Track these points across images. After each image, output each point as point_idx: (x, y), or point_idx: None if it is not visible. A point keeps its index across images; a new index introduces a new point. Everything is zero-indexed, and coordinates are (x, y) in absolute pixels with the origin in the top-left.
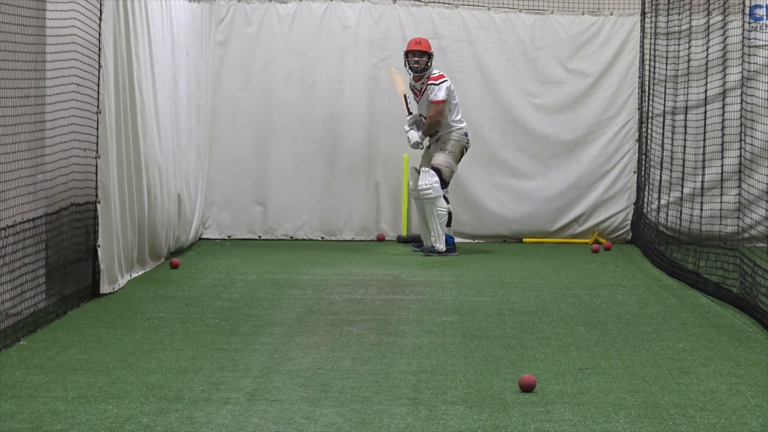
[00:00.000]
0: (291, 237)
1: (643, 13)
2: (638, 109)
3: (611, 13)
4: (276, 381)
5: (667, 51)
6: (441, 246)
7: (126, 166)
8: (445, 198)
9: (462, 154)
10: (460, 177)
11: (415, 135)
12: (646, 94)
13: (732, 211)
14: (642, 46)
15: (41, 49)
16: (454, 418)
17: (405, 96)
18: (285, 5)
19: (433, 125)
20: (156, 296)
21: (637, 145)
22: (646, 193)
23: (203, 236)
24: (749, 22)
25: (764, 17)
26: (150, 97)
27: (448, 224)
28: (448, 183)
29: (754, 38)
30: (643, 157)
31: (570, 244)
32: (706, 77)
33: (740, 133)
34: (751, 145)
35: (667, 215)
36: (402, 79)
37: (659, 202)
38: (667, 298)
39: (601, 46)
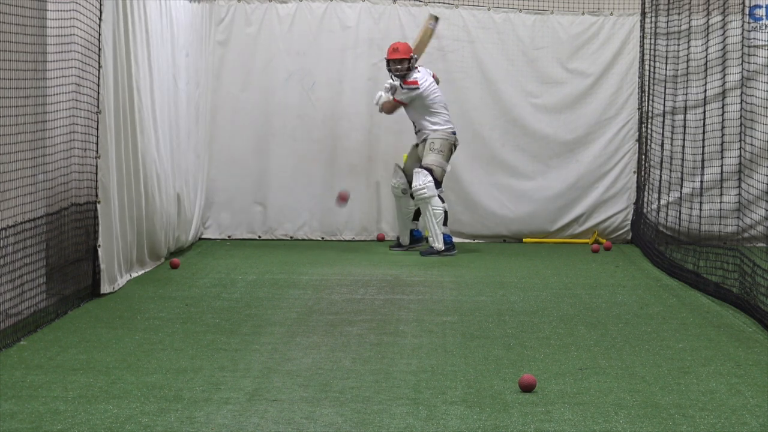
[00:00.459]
0: (291, 237)
1: (643, 13)
2: (638, 109)
3: (611, 13)
4: (276, 381)
5: (667, 51)
6: (439, 245)
7: (125, 166)
8: (441, 198)
9: (451, 152)
10: (460, 177)
11: (382, 95)
12: (646, 94)
13: (732, 211)
14: (642, 46)
15: (42, 50)
16: (454, 418)
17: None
18: (285, 5)
19: (389, 108)
20: (156, 296)
21: (637, 145)
22: (646, 193)
23: (203, 236)
24: (749, 22)
25: (764, 17)
26: (148, 97)
27: (444, 223)
28: (441, 182)
29: (754, 38)
30: (643, 157)
31: (570, 244)
32: (706, 77)
33: (740, 133)
34: (751, 145)
35: (667, 215)
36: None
37: (659, 202)
38: (667, 298)
39: (601, 46)
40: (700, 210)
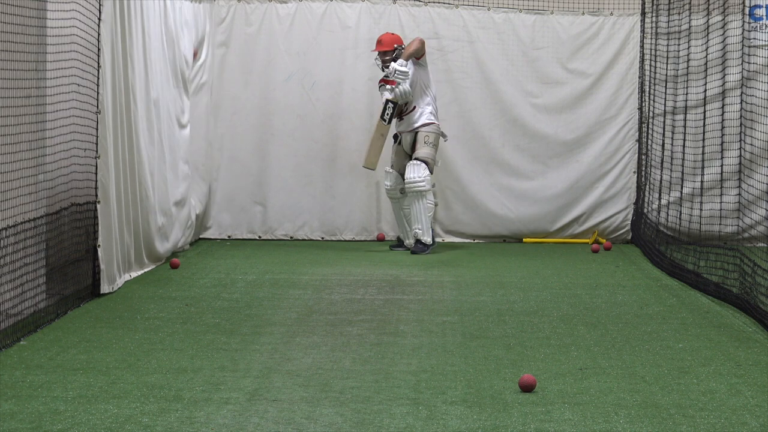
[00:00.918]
0: (291, 237)
1: (643, 13)
2: (638, 109)
3: (611, 13)
4: (276, 381)
5: (667, 51)
6: (428, 238)
7: (122, 166)
8: (434, 193)
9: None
10: (460, 177)
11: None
12: (646, 94)
13: (732, 211)
14: (642, 46)
15: (42, 50)
16: (454, 418)
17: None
18: (285, 5)
19: (415, 50)
20: (156, 296)
21: (637, 145)
22: (646, 193)
23: (203, 236)
24: (749, 22)
25: (764, 17)
26: (142, 98)
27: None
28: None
29: (754, 38)
30: (643, 157)
31: (570, 244)
32: (706, 77)
33: (740, 133)
34: (751, 145)
35: (667, 215)
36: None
37: (659, 202)
38: (667, 298)
39: (601, 46)
40: (701, 210)
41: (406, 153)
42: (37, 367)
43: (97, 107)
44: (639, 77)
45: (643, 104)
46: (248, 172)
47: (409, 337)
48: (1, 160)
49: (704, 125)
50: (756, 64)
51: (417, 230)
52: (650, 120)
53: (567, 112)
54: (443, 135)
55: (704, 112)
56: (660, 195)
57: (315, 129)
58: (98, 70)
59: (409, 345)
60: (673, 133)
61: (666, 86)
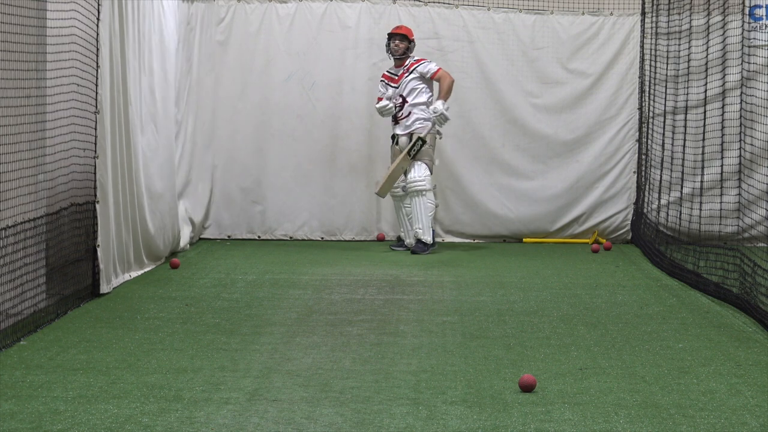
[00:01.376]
0: (291, 237)
1: (643, 13)
2: (638, 109)
3: (611, 13)
4: (276, 381)
5: (667, 51)
6: (428, 238)
7: (120, 166)
8: (434, 194)
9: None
10: (460, 177)
11: (384, 101)
12: (646, 94)
13: (732, 211)
14: (642, 46)
15: (42, 50)
16: (454, 418)
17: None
18: (285, 5)
19: (450, 88)
20: (156, 296)
21: (637, 145)
22: (646, 193)
23: (203, 236)
24: (749, 22)
25: (764, 17)
26: (137, 97)
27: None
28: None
29: (754, 38)
30: (643, 157)
31: (570, 244)
32: (706, 77)
33: (740, 133)
34: (751, 145)
35: (667, 215)
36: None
37: (659, 202)
38: (667, 298)
39: (601, 46)
40: (701, 210)
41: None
42: (37, 367)
43: (96, 107)
44: (639, 77)
45: (643, 104)
46: (248, 172)
47: (409, 337)
48: (1, 160)
49: (704, 125)
50: (756, 64)
51: (417, 230)
52: (650, 120)
53: (567, 112)
54: (438, 133)
55: (704, 112)
56: (660, 195)
57: (315, 129)
58: (97, 70)
59: (409, 345)
60: (673, 133)
61: (666, 86)
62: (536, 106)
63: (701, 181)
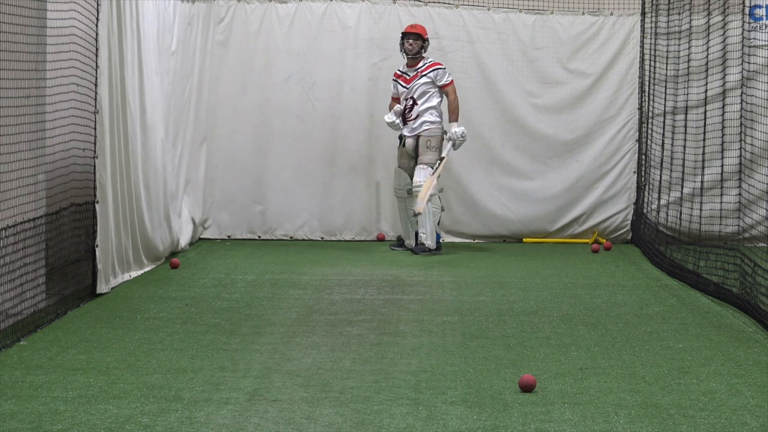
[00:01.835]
0: (291, 237)
1: (643, 13)
2: (638, 109)
3: (611, 13)
4: (276, 381)
5: (667, 51)
6: (431, 243)
7: (119, 166)
8: (439, 197)
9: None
10: (460, 177)
11: (392, 116)
12: (646, 94)
13: (732, 211)
14: (642, 46)
15: (42, 50)
16: (454, 418)
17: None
18: (285, 5)
19: (457, 106)
20: (156, 296)
21: (637, 145)
22: (646, 193)
23: (203, 236)
24: (749, 22)
25: (764, 17)
26: (136, 98)
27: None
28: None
29: (754, 38)
30: (643, 157)
31: (570, 244)
32: (706, 77)
33: (740, 133)
34: (751, 145)
35: (667, 215)
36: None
37: (659, 202)
38: (667, 298)
39: (601, 46)
40: (701, 210)
41: (409, 155)
42: (37, 367)
43: (95, 107)
44: (639, 77)
45: (643, 104)
46: (248, 172)
47: (409, 337)
48: (1, 160)
49: (704, 125)
50: (756, 64)
51: (422, 234)
52: (650, 120)
53: (567, 112)
54: (445, 134)
55: (704, 112)
56: (660, 195)
57: (315, 129)
58: (96, 70)
59: (409, 345)
60: (673, 133)
61: (666, 86)
62: (536, 106)
63: (701, 181)
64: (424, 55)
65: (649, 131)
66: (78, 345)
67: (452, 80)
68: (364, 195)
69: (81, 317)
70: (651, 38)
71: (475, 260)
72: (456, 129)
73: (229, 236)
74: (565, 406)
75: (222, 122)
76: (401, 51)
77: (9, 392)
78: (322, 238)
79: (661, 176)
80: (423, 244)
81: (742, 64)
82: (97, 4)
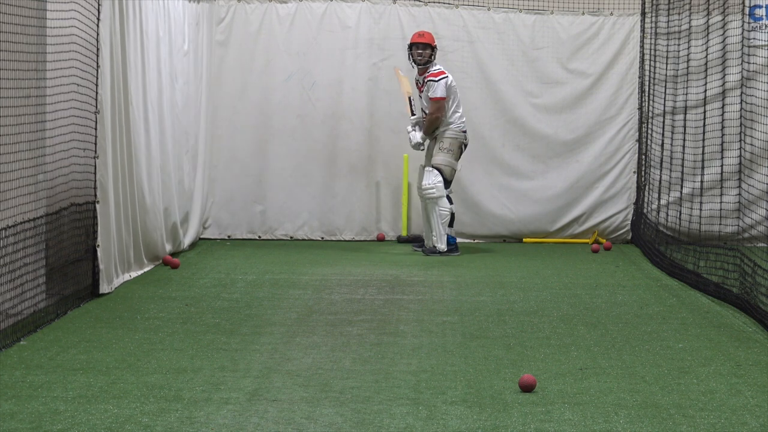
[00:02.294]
0: (291, 237)
1: (643, 13)
2: (638, 109)
3: (611, 13)
4: (276, 381)
5: (667, 51)
6: (442, 246)
7: (120, 166)
8: (449, 198)
9: (461, 151)
10: (460, 177)
11: (417, 135)
12: (646, 94)
13: (732, 211)
14: (642, 46)
15: (42, 49)
16: (454, 418)
17: (410, 98)
18: (285, 5)
19: (432, 122)
20: (156, 296)
21: (637, 145)
22: (646, 193)
23: (203, 236)
24: (749, 22)
25: (764, 17)
26: (140, 98)
27: (450, 224)
28: (451, 182)
29: (754, 38)
30: (643, 157)
31: (570, 244)
32: (706, 77)
33: (740, 133)
34: (751, 145)
35: (667, 215)
36: (407, 80)
37: (659, 202)
38: (667, 298)
39: (601, 46)
40: (701, 210)
41: (431, 155)
42: (37, 367)
43: (96, 107)
44: (639, 77)
45: (643, 104)
46: (248, 172)
47: (409, 337)
48: (1, 160)
49: (704, 125)
50: (756, 64)
51: (433, 236)
52: (650, 120)
53: (567, 112)
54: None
55: (704, 112)
56: (660, 195)
57: (315, 129)
58: (97, 70)
59: (409, 345)
60: (672, 133)
61: (666, 86)
62: (536, 106)
63: (701, 181)
64: (434, 60)
65: (649, 131)
66: (78, 345)
67: (442, 96)
68: (364, 195)
69: (81, 317)
70: (651, 38)
71: (475, 260)
72: (417, 136)
73: (229, 236)
74: (565, 406)
75: (222, 122)
76: (409, 60)
77: (9, 392)
78: (322, 238)
79: (661, 176)
80: (434, 246)
81: (741, 64)
82: (98, 4)
